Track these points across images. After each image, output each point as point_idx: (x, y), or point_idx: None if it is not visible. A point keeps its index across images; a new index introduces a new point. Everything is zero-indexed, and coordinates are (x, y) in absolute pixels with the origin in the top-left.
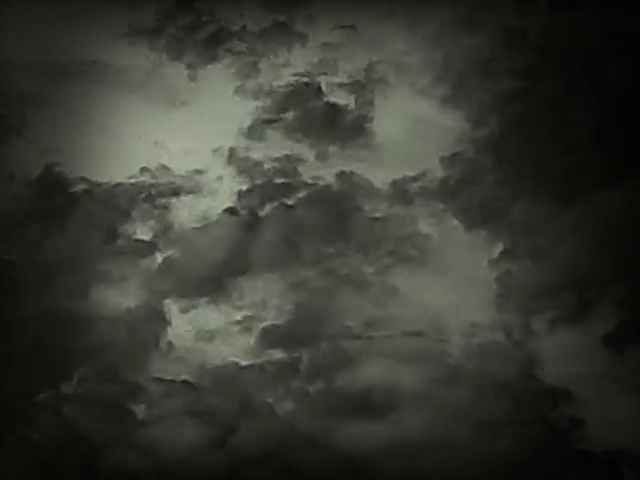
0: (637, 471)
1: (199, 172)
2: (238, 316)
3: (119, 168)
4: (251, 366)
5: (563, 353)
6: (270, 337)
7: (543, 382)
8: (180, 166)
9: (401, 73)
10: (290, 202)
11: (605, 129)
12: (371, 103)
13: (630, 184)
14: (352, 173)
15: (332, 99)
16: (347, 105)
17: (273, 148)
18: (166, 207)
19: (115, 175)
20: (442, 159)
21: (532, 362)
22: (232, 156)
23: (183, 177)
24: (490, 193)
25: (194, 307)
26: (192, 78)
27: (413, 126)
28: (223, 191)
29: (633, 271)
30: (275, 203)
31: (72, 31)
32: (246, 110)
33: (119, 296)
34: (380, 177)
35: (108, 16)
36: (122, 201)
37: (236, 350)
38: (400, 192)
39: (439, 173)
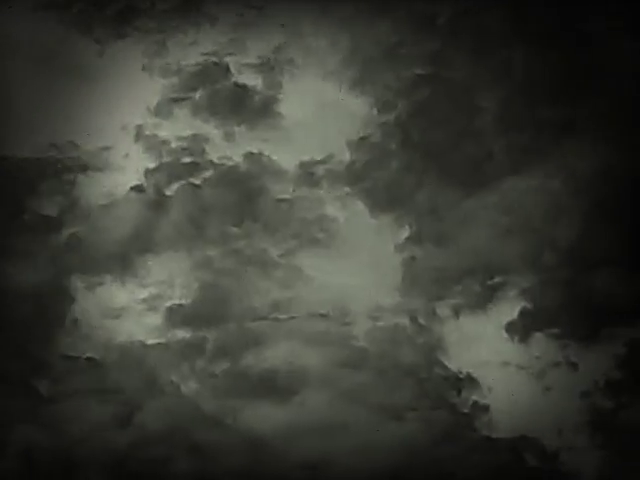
0: (538, 457)
1: (106, 149)
2: (144, 294)
3: (26, 143)
4: (157, 345)
5: (468, 339)
6: (176, 316)
7: (448, 368)
8: (87, 142)
9: (309, 56)
10: (197, 181)
11: (512, 117)
12: (279, 85)
13: (536, 173)
14: (259, 154)
15: (240, 79)
16: (255, 86)
17: (180, 127)
18: (73, 183)
19: (22, 150)
20: (349, 143)
21: (437, 347)
22: (139, 134)
23: (90, 153)
24: (396, 178)
25: (100, 284)
26: (100, 54)
27: (320, 109)
28: (130, 169)
29: (537, 260)
30: (182, 182)
31: None
32: (154, 88)
33: (25, 272)
34: (287, 159)
35: None
36: (29, 176)
37: (142, 328)
38: (307, 174)
39: (346, 157)
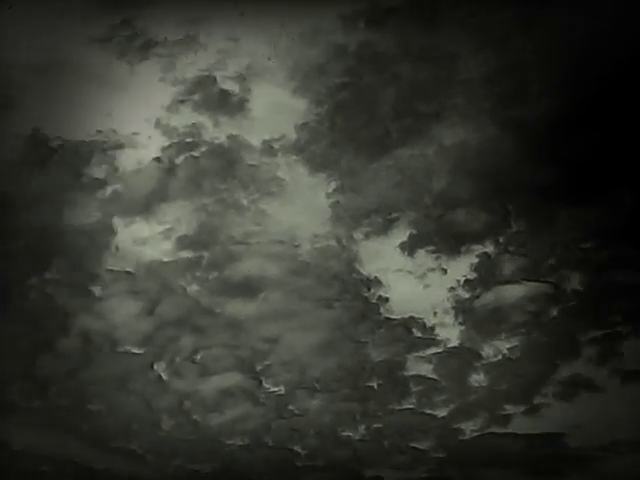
0: (422, 330)
1: (136, 134)
2: (161, 228)
3: (82, 130)
4: (170, 261)
5: (375, 254)
6: (182, 242)
7: (361, 273)
8: (123, 130)
9: (267, 72)
10: (196, 154)
11: (402, 108)
12: (249, 90)
13: (417, 145)
14: (237, 135)
15: (224, 87)
16: (234, 91)
17: (185, 118)
18: (114, 156)
19: (80, 135)
20: (295, 127)
21: (354, 260)
22: (158, 123)
23: (125, 137)
24: (327, 149)
25: (133, 223)
26: (131, 71)
27: (275, 106)
28: (152, 146)
29: (419, 201)
30: (186, 154)
31: (59, 37)
32: (167, 93)
33: (83, 215)
34: (255, 138)
35: (73, 28)
36: (84, 152)
37: (160, 251)
38: (268, 148)
39: (293, 136)
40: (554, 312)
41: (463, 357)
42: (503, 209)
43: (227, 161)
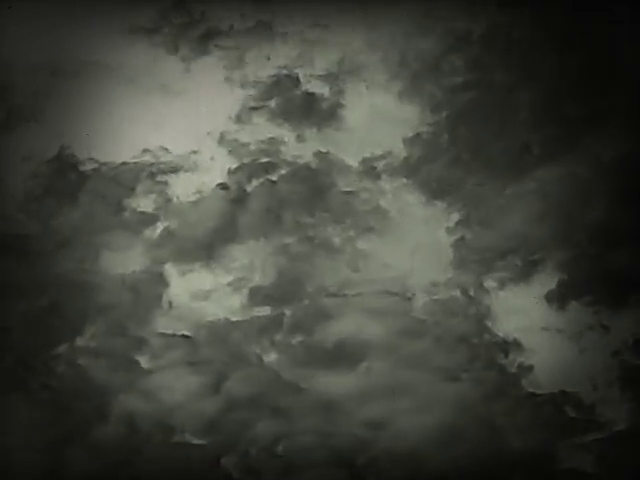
0: (577, 409)
1: (194, 152)
2: (229, 278)
3: (123, 150)
4: (241, 321)
5: (512, 308)
6: (257, 296)
7: (495, 334)
8: (177, 147)
9: (365, 69)
10: (273, 178)
11: (545, 113)
12: (342, 92)
13: (566, 162)
14: (327, 152)
15: (309, 88)
16: (322, 94)
17: (258, 131)
18: (166, 183)
19: (120, 156)
20: (404, 140)
21: (485, 316)
22: (223, 138)
23: (180, 157)
24: (446, 170)
25: (190, 271)
26: (187, 70)
27: (377, 113)
28: (215, 169)
29: (570, 237)
30: (260, 179)
31: (78, 33)
32: (234, 98)
33: (125, 262)
34: (351, 156)
35: (109, 17)
36: (127, 178)
37: (227, 308)
38: (368, 169)
39: (402, 153)
40: None
41: (634, 444)
42: None
43: (315, 187)
